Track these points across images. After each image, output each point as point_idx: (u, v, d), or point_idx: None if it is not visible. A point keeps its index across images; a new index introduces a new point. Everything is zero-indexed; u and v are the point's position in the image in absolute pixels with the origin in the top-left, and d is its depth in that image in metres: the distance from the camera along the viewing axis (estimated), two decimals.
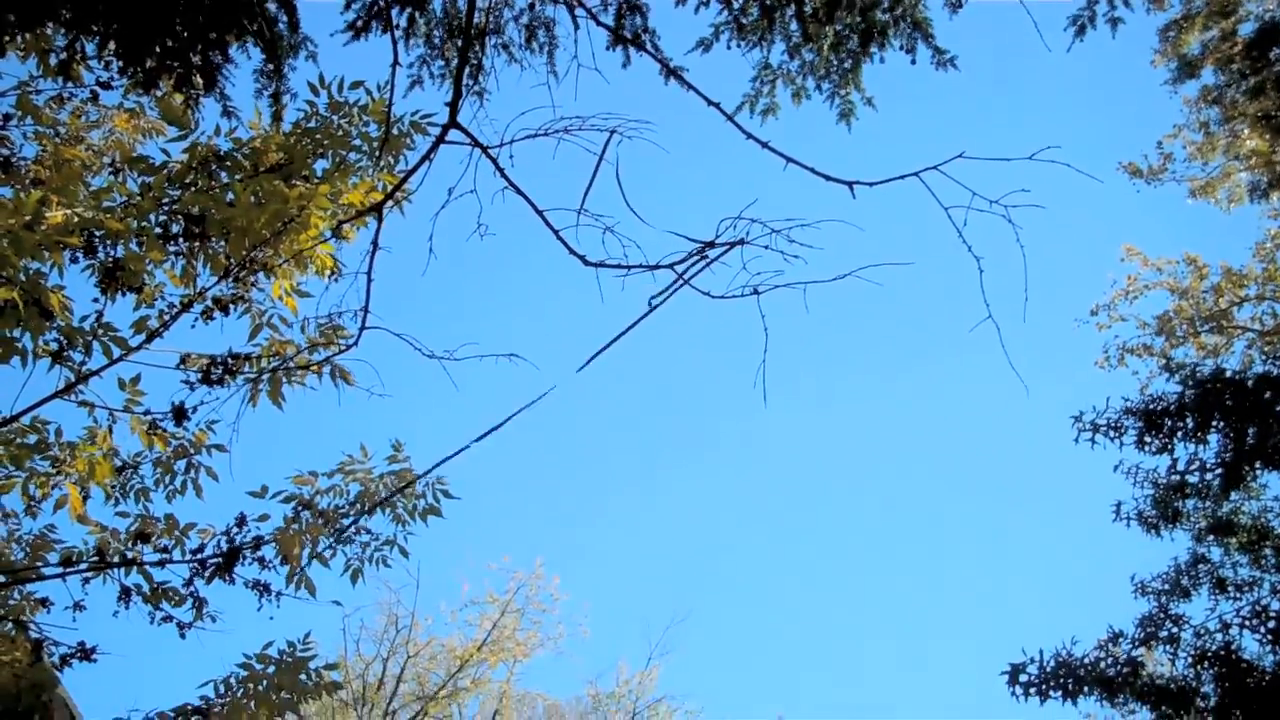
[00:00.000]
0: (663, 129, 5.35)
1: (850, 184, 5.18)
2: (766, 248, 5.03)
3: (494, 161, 5.35)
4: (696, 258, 5.07)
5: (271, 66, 5.89)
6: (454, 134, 5.48)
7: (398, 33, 5.84)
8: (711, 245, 5.06)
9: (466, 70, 5.84)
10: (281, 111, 6.67)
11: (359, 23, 5.78)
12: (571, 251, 5.35)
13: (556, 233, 5.34)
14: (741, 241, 5.05)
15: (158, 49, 5.81)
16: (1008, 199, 5.06)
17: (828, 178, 5.20)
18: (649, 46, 6.07)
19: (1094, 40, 7.72)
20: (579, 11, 5.88)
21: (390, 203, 8.18)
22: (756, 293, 5.10)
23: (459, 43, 5.97)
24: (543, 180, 5.66)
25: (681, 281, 5.08)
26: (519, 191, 5.37)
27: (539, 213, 5.36)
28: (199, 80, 6.07)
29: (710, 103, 5.43)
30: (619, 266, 5.22)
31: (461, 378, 7.49)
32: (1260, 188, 17.39)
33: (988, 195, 5.06)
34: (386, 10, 5.75)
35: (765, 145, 5.31)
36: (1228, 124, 17.26)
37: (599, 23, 5.83)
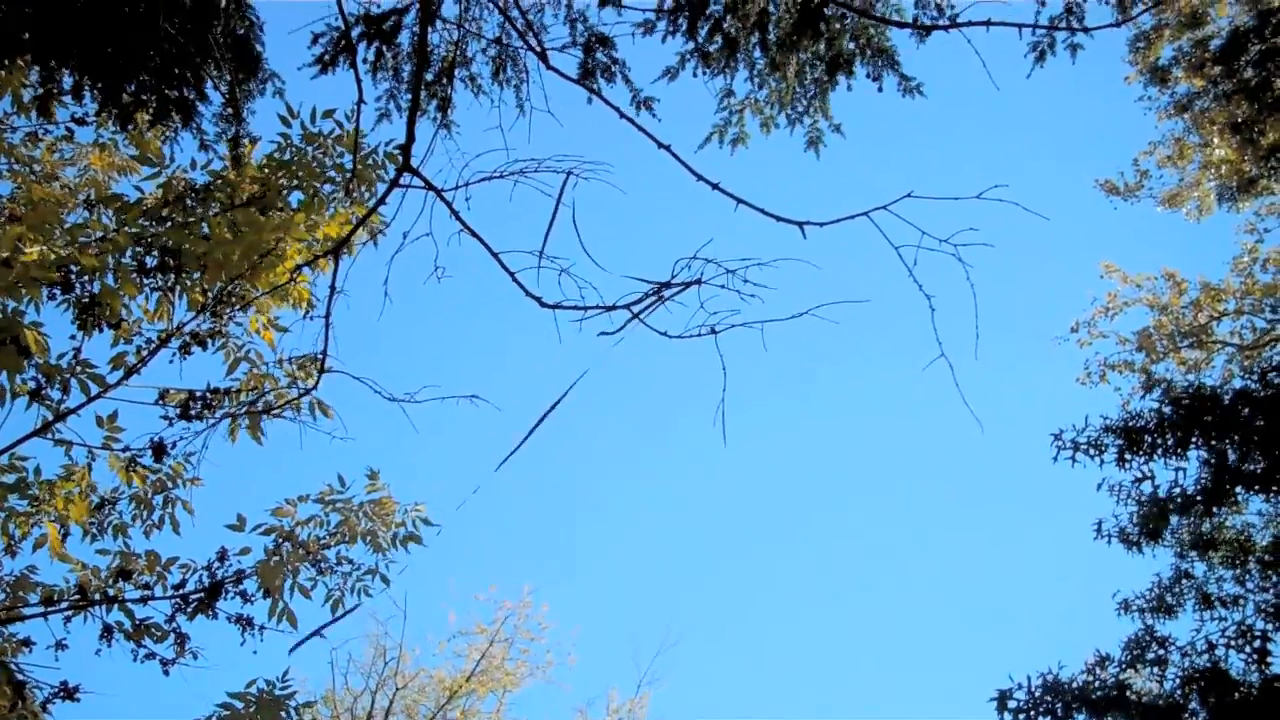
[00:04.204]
0: (621, 165, 5.39)
1: (801, 224, 5.21)
2: (723, 287, 5.09)
3: (449, 205, 5.39)
4: (652, 298, 5.11)
5: (231, 110, 5.91)
6: (411, 178, 5.52)
7: (365, 66, 5.87)
8: (668, 285, 5.11)
9: (434, 104, 5.88)
10: (242, 155, 6.68)
11: (326, 57, 5.81)
12: (528, 293, 5.39)
13: (513, 275, 5.38)
14: (697, 281, 5.10)
15: (133, 85, 5.83)
16: (959, 237, 5.10)
17: (778, 218, 5.24)
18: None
19: (1066, 60, 7.75)
20: (534, 48, 5.92)
21: (363, 235, 8.21)
22: (714, 332, 5.16)
23: (424, 78, 6.00)
24: (501, 221, 5.70)
25: (636, 320, 5.12)
26: (474, 234, 5.41)
27: (494, 255, 5.40)
28: (175, 115, 6.10)
29: (661, 145, 5.45)
30: (575, 308, 5.26)
31: (425, 419, 7.56)
32: (1229, 193, 17.50)
33: (949, 223, 5.09)
34: (353, 46, 5.77)
35: (715, 186, 5.34)
36: (1198, 132, 17.40)
37: (549, 67, 5.88)
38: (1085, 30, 6.25)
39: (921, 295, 5.32)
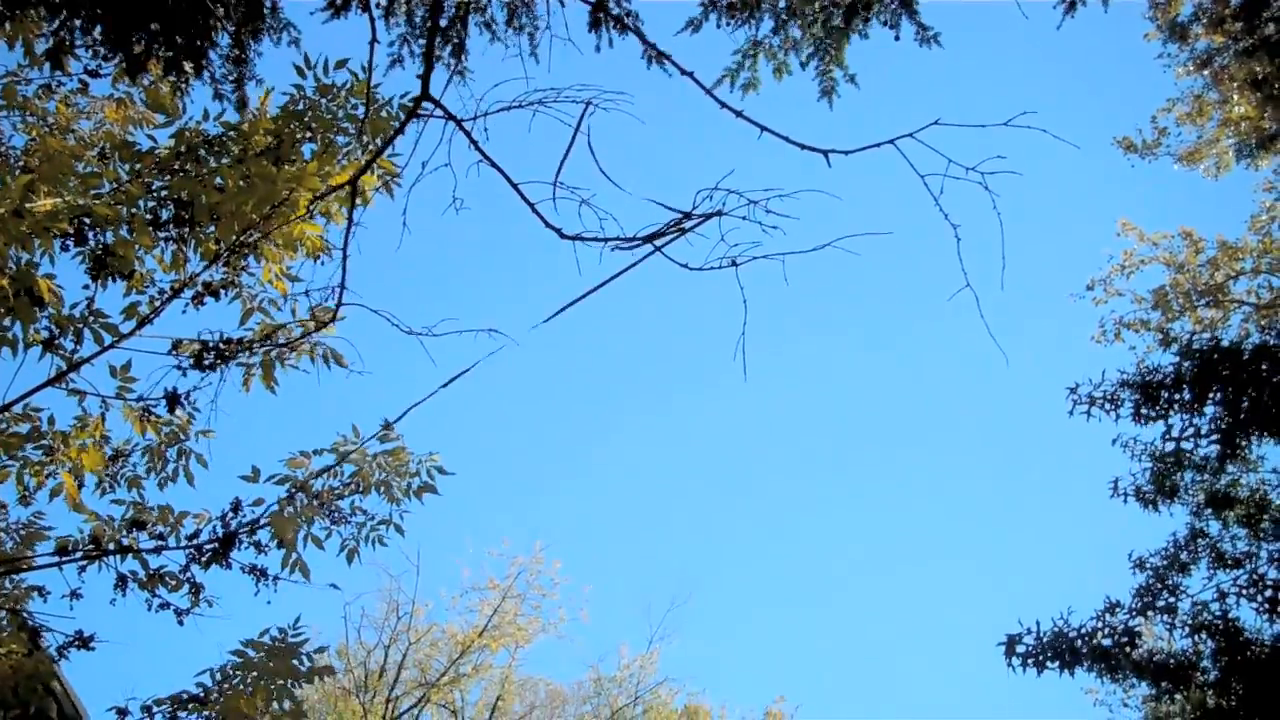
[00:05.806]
0: (641, 100, 5.34)
1: (825, 152, 5.17)
2: (744, 219, 5.03)
3: (468, 135, 5.35)
4: (673, 229, 5.07)
5: (237, 52, 5.86)
6: (430, 107, 5.48)
7: (378, 11, 5.81)
8: (689, 216, 5.06)
9: (449, 49, 5.82)
10: (246, 97, 6.60)
11: (338, 1, 5.74)
12: (547, 224, 5.36)
13: (532, 206, 5.34)
14: (719, 213, 5.06)
15: (144, 33, 5.78)
16: (985, 165, 5.05)
17: (803, 146, 5.18)
18: (631, 26, 6.03)
19: (1089, 14, 7.62)
20: None
21: (376, 182, 8.17)
22: (734, 264, 5.11)
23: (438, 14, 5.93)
24: (521, 152, 5.66)
25: (656, 250, 5.08)
26: (494, 165, 5.37)
27: (514, 186, 5.36)
28: (187, 65, 6.03)
29: (685, 72, 5.40)
30: (595, 239, 5.22)
31: (443, 353, 7.56)
32: (1247, 150, 17.35)
33: (967, 163, 5.05)
34: None
35: (740, 114, 5.30)
36: (1218, 88, 17.25)
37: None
38: None
39: (947, 227, 5.29)
